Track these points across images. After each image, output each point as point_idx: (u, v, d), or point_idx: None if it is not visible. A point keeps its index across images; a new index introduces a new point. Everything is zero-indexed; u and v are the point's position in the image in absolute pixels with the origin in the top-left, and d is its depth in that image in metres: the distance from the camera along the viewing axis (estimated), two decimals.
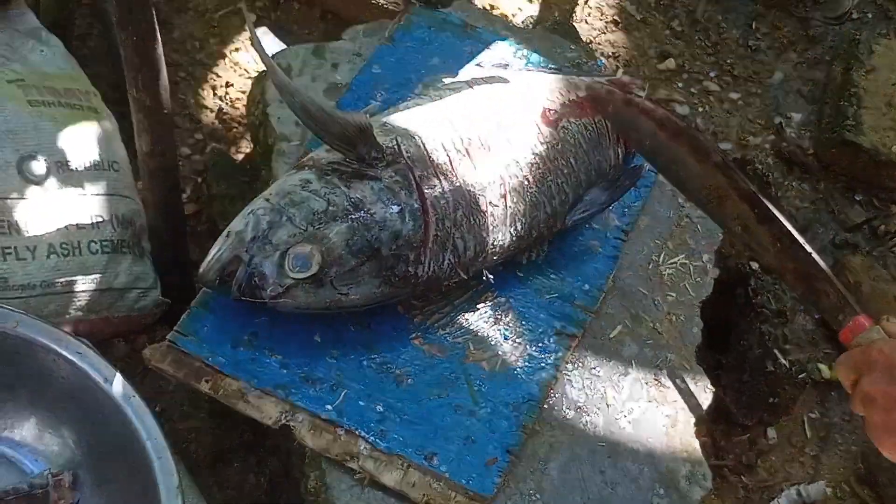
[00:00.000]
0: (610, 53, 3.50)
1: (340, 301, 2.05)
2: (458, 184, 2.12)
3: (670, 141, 2.25)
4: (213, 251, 2.01)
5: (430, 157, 2.11)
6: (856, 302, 1.94)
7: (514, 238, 2.21)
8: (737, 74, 3.56)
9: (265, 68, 2.18)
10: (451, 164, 2.12)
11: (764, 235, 2.11)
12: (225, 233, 2.03)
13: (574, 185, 2.30)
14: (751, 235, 2.14)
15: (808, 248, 2.03)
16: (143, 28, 2.03)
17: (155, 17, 2.06)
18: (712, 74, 3.55)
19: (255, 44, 2.12)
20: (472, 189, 2.13)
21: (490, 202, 2.14)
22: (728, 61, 3.58)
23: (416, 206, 2.06)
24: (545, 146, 2.25)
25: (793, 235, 2.05)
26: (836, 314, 1.95)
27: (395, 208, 2.05)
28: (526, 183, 2.20)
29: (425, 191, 2.08)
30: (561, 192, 2.27)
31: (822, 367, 2.94)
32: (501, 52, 2.69)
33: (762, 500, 2.75)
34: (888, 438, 1.62)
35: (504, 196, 2.16)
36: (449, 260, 2.12)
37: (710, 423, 2.76)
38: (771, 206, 2.10)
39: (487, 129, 2.20)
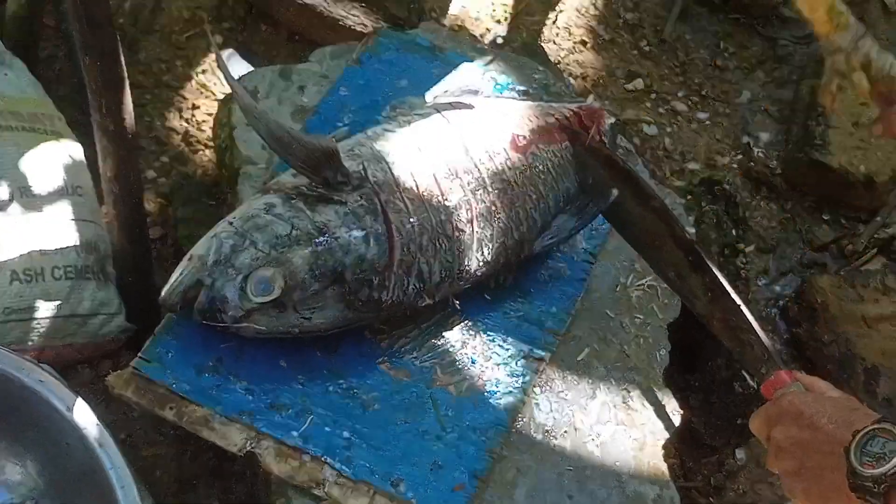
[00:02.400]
0: (578, 74, 3.50)
1: (303, 325, 2.04)
2: (424, 209, 2.11)
3: (613, 182, 2.28)
4: (175, 275, 2.01)
5: (396, 181, 2.11)
6: (779, 358, 1.99)
7: (481, 264, 2.20)
8: (705, 94, 3.57)
9: (231, 92, 2.18)
10: (417, 188, 2.12)
11: (696, 284, 2.18)
12: (188, 256, 2.03)
13: (543, 212, 2.30)
14: (683, 283, 2.22)
15: (737, 300, 2.11)
16: (106, 51, 2.02)
17: (119, 40, 2.05)
18: (680, 94, 3.56)
19: (221, 66, 2.12)
20: (438, 214, 2.12)
21: (457, 227, 2.14)
22: (696, 81, 3.59)
23: (380, 230, 2.06)
24: (514, 172, 2.25)
25: (723, 286, 2.13)
26: (759, 367, 2.02)
27: (360, 233, 2.04)
28: (494, 208, 2.20)
29: (391, 215, 2.07)
30: (529, 219, 2.26)
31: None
32: (469, 74, 2.68)
33: None
34: (799, 486, 1.61)
35: (471, 221, 2.16)
36: (414, 285, 2.11)
37: (679, 445, 2.75)
38: (705, 256, 2.18)
39: (456, 154, 2.20)
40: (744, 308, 2.10)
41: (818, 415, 1.60)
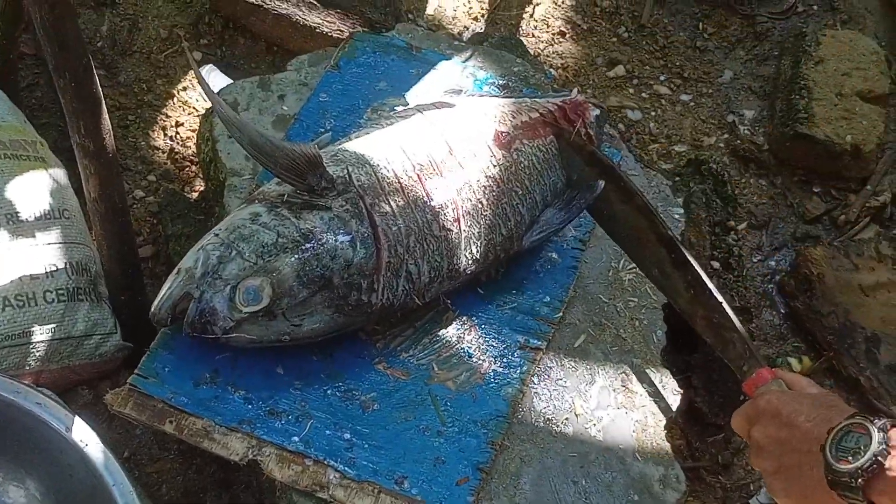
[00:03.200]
0: (559, 65, 3.51)
1: (294, 332, 2.05)
2: (410, 210, 2.12)
3: (596, 179, 2.29)
4: (164, 289, 2.02)
5: (381, 184, 2.12)
6: (761, 356, 2.04)
7: (470, 262, 2.21)
8: (687, 76, 3.57)
9: (211, 105, 2.18)
10: (402, 190, 2.12)
11: (678, 281, 2.21)
12: (175, 270, 2.04)
13: (529, 207, 2.30)
14: (667, 280, 2.25)
15: (719, 297, 2.14)
16: (79, 73, 2.03)
17: (91, 59, 2.05)
18: (662, 78, 3.56)
19: (199, 79, 2.12)
20: (424, 214, 2.13)
21: (444, 227, 2.14)
22: (677, 63, 3.60)
23: (367, 234, 2.06)
24: (498, 168, 2.25)
25: (705, 284, 2.16)
26: (742, 364, 2.06)
27: (346, 237, 2.04)
28: (480, 206, 2.20)
29: (376, 218, 2.08)
30: (516, 214, 2.27)
31: (792, 360, 2.95)
32: (448, 71, 2.69)
33: (741, 497, 2.75)
34: (779, 484, 1.63)
35: (458, 220, 2.16)
36: (404, 287, 2.12)
37: (684, 425, 2.75)
38: (687, 253, 2.20)
39: (439, 153, 2.20)
40: (726, 306, 2.13)
41: (795, 413, 1.62)
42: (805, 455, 1.55)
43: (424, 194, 2.14)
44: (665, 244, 2.23)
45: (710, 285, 2.15)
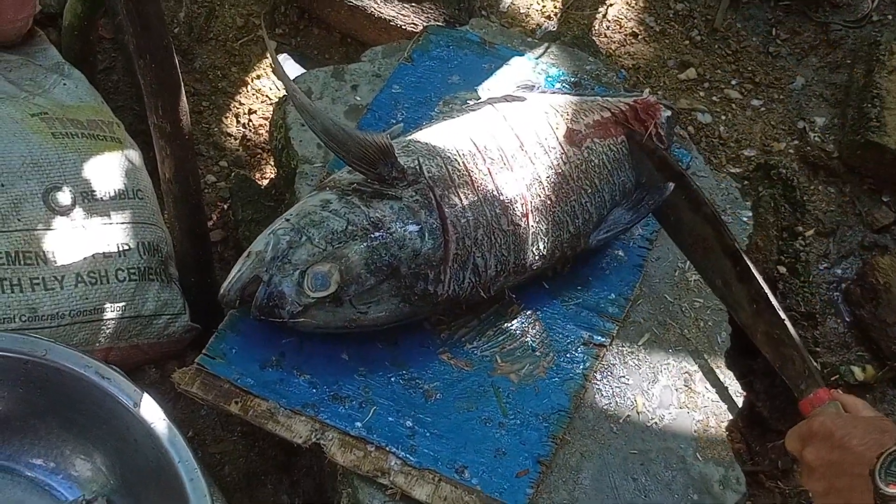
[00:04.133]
0: (630, 65, 3.50)
1: (360, 320, 2.07)
2: (479, 203, 2.13)
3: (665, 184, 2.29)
4: (233, 271, 2.05)
5: (451, 176, 2.13)
6: (819, 376, 2.03)
7: (536, 257, 2.22)
8: (758, 81, 3.55)
9: (286, 92, 2.20)
10: (472, 183, 2.14)
11: (742, 294, 2.20)
12: (246, 253, 2.06)
13: (598, 205, 2.30)
14: (730, 292, 2.24)
15: (781, 314, 2.13)
16: (160, 54, 2.05)
17: (172, 43, 2.08)
18: (734, 82, 3.54)
19: (276, 66, 2.14)
20: (493, 208, 2.14)
21: (512, 221, 2.16)
22: (749, 68, 3.58)
23: (435, 225, 2.08)
24: (569, 166, 2.26)
25: (769, 299, 2.15)
26: (800, 383, 2.05)
27: (415, 227, 2.06)
28: (549, 202, 2.21)
29: (445, 210, 2.09)
30: (585, 212, 2.27)
31: (855, 369, 2.93)
32: (520, 67, 2.70)
33: None
34: None
35: (526, 215, 2.17)
36: (470, 279, 2.13)
37: (745, 429, 2.75)
38: (752, 266, 2.19)
39: (510, 148, 2.21)
40: (788, 323, 2.11)
41: (848, 436, 1.62)
42: (856, 478, 1.56)
43: (494, 188, 2.15)
44: (731, 256, 2.22)
45: (774, 301, 2.14)
